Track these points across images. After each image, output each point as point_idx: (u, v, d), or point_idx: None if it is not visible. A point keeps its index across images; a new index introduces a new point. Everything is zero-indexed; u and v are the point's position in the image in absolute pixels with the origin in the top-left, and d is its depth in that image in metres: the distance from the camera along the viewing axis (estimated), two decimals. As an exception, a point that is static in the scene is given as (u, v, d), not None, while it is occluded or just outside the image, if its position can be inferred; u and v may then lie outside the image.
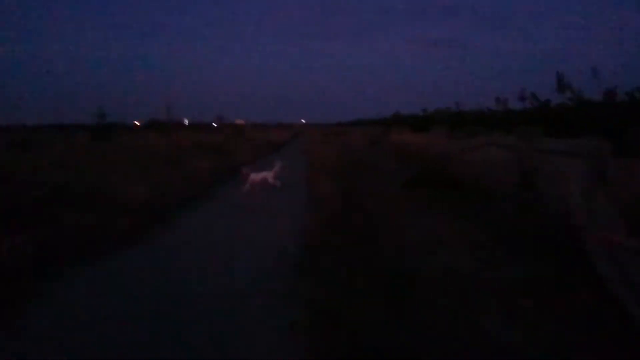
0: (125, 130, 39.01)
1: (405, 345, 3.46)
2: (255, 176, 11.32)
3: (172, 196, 9.98)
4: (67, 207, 7.82)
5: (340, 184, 10.75)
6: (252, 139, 34.40)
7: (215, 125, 59.65)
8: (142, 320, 4.15)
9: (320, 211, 8.29)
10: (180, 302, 4.55)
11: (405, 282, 4.60)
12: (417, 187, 10.07)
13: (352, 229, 6.77)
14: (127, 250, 6.44)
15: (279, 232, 7.54)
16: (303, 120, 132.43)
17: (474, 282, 4.73)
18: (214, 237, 7.37)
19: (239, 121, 73.76)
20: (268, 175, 11.31)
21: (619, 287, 4.03)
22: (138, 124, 54.94)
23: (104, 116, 30.03)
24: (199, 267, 5.72)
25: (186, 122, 57.96)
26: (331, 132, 48.83)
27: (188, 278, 5.31)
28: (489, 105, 26.40)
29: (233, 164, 15.83)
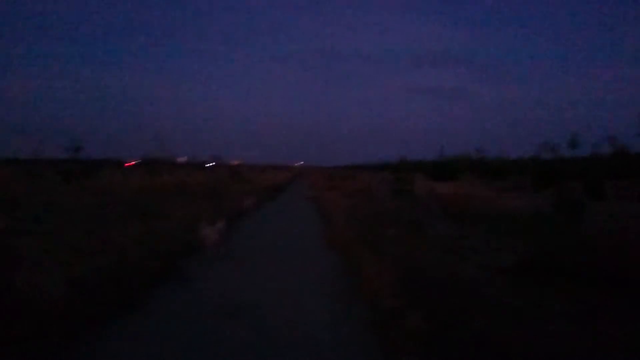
0: (115, 168, 35.05)
1: None
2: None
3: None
4: None
5: (391, 267, 6.37)
6: (249, 180, 30.19)
7: (211, 164, 56.30)
8: None
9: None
10: None
11: None
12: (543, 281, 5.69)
13: None
14: None
15: None
16: (299, 162, 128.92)
17: None
18: None
19: (235, 161, 70.12)
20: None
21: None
22: (133, 162, 50.71)
23: (79, 150, 25.29)
24: None
25: (182, 160, 54.35)
26: (335, 176, 44.39)
27: None
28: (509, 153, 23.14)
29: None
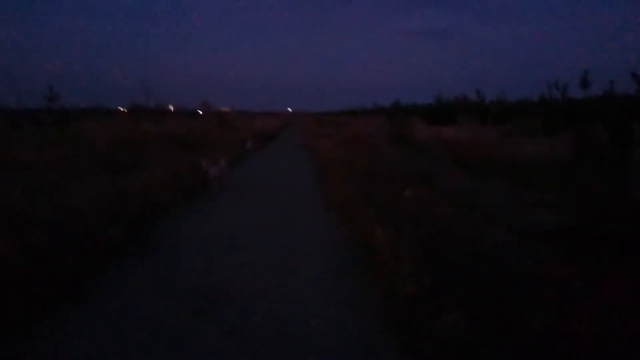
0: (100, 117, 33.31)
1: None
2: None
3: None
4: None
5: (405, 232, 5.18)
6: (239, 127, 28.78)
7: (201, 112, 55.09)
8: None
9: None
10: None
11: None
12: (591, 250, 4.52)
13: None
14: None
15: None
16: (289, 109, 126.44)
17: None
18: None
19: (225, 108, 68.46)
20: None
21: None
22: (123, 110, 48.89)
23: (54, 99, 23.54)
24: None
25: (171, 107, 53.08)
26: (326, 122, 42.73)
27: None
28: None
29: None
